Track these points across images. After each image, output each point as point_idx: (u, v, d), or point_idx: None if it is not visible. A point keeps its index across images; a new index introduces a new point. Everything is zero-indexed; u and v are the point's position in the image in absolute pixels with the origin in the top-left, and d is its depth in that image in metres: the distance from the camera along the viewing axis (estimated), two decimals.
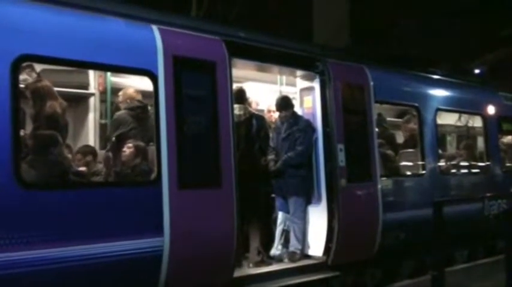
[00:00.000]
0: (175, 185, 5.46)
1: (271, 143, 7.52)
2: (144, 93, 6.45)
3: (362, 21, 15.45)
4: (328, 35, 12.48)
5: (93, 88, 7.37)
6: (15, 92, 4.66)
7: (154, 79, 5.49)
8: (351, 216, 7.09)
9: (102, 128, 7.30)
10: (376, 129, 7.97)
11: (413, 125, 9.03)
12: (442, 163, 9.38)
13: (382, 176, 7.91)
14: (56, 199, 4.81)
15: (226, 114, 6.01)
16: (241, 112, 6.97)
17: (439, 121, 9.34)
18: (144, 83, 6.02)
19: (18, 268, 4.43)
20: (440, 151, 9.44)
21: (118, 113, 6.61)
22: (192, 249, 5.57)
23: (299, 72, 7.57)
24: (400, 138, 9.48)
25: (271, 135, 7.60)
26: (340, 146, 7.11)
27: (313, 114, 7.38)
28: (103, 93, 7.44)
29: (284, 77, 8.29)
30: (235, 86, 6.72)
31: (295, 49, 7.31)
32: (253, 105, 8.04)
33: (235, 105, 6.64)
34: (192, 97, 5.82)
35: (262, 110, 8.30)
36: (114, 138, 6.30)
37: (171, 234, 5.37)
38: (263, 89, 8.57)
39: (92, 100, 7.39)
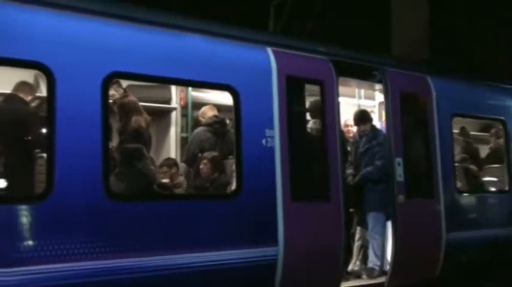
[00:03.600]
0: (288, 198, 5.69)
1: (350, 157, 7.45)
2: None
3: (442, 34, 15.03)
4: (407, 49, 12.21)
5: (175, 103, 7.62)
6: (105, 107, 4.89)
7: (269, 97, 5.76)
8: (409, 234, 6.70)
9: (183, 141, 7.52)
10: (462, 144, 7.68)
11: (499, 139, 8.67)
12: None
13: (463, 191, 7.64)
14: (157, 210, 5.04)
15: (333, 130, 6.23)
16: (319, 126, 6.94)
17: None
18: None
19: (107, 276, 4.63)
20: None
21: (198, 129, 6.79)
22: (304, 259, 5.77)
23: (378, 86, 7.46)
24: (484, 152, 9.11)
25: (349, 149, 7.53)
26: (398, 159, 6.77)
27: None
28: (184, 107, 7.67)
29: (362, 91, 8.21)
30: (312, 99, 6.75)
31: (353, 58, 7.11)
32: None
33: (314, 120, 6.67)
34: (303, 114, 6.32)
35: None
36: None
37: (285, 243, 5.56)
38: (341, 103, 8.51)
39: (173, 114, 7.63)
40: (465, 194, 7.73)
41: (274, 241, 5.59)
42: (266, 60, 5.88)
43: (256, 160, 5.59)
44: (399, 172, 6.72)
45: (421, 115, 7.25)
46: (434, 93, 7.34)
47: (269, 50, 5.96)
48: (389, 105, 6.85)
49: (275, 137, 5.72)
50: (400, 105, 6.91)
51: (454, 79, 8.12)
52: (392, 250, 6.67)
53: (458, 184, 7.71)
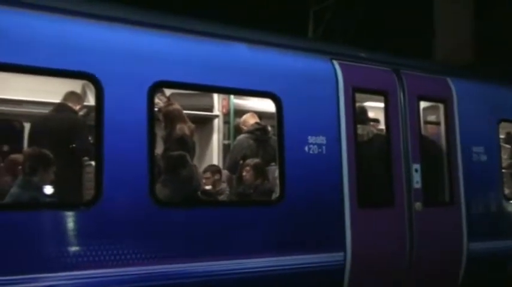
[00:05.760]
0: (355, 204, 5.82)
1: None
2: None
3: (487, 37, 14.70)
4: (451, 52, 11.98)
5: (217, 110, 7.71)
6: (151, 115, 4.97)
7: (337, 107, 6.00)
8: (427, 244, 6.43)
9: (225, 148, 7.60)
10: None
11: None
12: None
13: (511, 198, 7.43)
14: (202, 216, 5.11)
15: (397, 138, 6.40)
16: (364, 132, 6.90)
17: None
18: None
19: (153, 281, 4.72)
20: None
21: (241, 136, 6.86)
22: (370, 264, 5.88)
23: None
24: None
25: None
26: (416, 166, 6.56)
27: (438, 134, 7.12)
28: (226, 115, 7.76)
29: None
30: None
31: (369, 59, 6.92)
32: None
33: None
34: (369, 123, 6.69)
35: None
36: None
37: (352, 249, 5.72)
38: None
39: (216, 122, 7.73)
40: None
41: (340, 247, 5.72)
42: (334, 72, 6.08)
43: (318, 166, 5.74)
44: (416, 179, 6.54)
45: (441, 119, 7.03)
46: (455, 97, 7.06)
47: (336, 63, 6.14)
48: (405, 108, 6.64)
49: (342, 145, 5.91)
50: (416, 108, 6.75)
51: (483, 81, 7.77)
52: (408, 260, 6.38)
53: (506, 191, 7.51)
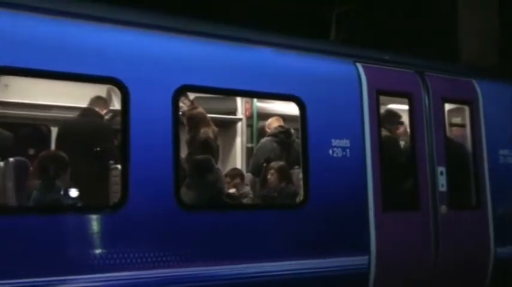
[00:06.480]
0: (380, 208, 5.82)
1: None
2: None
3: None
4: (476, 54, 11.82)
5: (240, 113, 7.74)
6: (176, 119, 5.02)
7: (361, 111, 5.99)
8: (452, 248, 6.37)
9: (249, 151, 7.62)
10: None
11: None
12: None
13: None
14: (227, 219, 5.14)
15: (422, 141, 6.35)
16: (388, 135, 6.86)
17: None
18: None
19: (179, 284, 4.76)
20: None
21: (264, 139, 6.87)
22: (395, 268, 5.87)
23: None
24: None
25: None
26: (441, 168, 6.48)
27: (463, 136, 7.05)
28: (249, 118, 7.79)
29: None
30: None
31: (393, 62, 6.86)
32: None
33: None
34: (391, 126, 6.68)
35: None
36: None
37: (376, 253, 5.71)
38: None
39: (239, 125, 7.76)
40: None
41: (364, 250, 5.71)
42: (357, 75, 6.07)
43: (342, 169, 5.74)
44: (441, 182, 6.47)
45: (467, 121, 6.96)
46: (481, 98, 6.97)
47: (359, 66, 6.14)
48: (430, 111, 6.56)
49: (366, 148, 5.90)
50: (441, 111, 6.68)
51: (509, 83, 7.61)
52: (433, 264, 6.31)
53: None
